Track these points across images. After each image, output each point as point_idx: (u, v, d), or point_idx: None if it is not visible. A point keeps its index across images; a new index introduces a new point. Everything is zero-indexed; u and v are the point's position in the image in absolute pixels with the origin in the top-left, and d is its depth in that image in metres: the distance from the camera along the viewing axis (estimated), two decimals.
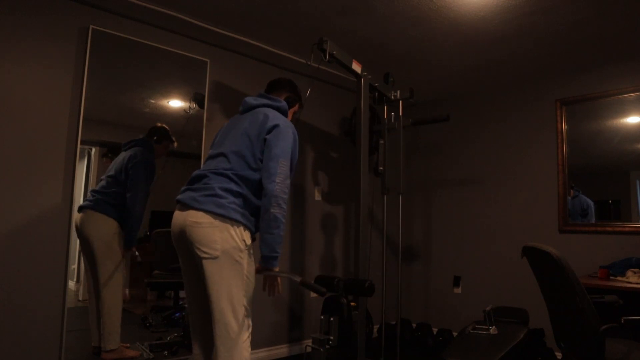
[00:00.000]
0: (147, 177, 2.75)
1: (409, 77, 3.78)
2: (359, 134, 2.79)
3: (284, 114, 2.07)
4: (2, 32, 2.34)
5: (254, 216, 1.89)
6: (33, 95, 2.42)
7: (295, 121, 1.99)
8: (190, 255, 1.82)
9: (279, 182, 1.81)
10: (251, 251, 1.87)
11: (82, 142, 2.55)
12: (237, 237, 1.79)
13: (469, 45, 3.13)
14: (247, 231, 1.84)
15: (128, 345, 2.65)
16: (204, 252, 1.74)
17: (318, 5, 2.67)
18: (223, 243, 1.75)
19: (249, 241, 1.85)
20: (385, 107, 3.40)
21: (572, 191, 3.50)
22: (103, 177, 2.64)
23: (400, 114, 3.32)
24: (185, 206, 1.82)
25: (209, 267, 1.75)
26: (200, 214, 1.76)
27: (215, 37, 3.04)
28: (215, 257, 1.75)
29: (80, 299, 2.62)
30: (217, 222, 1.75)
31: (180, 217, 1.82)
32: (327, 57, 2.50)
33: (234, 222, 1.78)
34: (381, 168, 3.26)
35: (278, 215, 1.81)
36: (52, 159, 2.46)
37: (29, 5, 2.43)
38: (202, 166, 1.97)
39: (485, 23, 2.81)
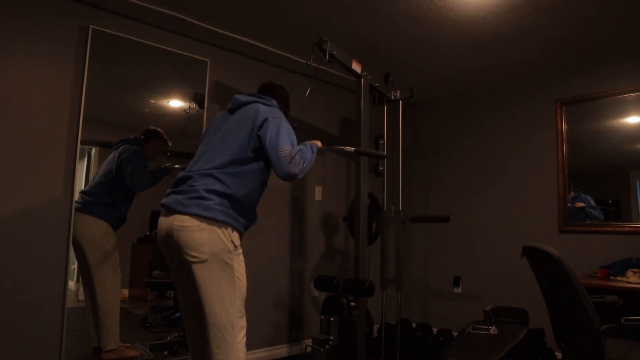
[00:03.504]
0: (142, 164, 2.73)
1: (409, 77, 3.78)
2: (359, 134, 2.79)
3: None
4: (2, 32, 2.34)
5: (243, 216, 1.85)
6: (33, 95, 2.42)
7: (293, 123, 1.97)
8: (179, 259, 1.77)
9: (286, 165, 1.77)
10: (240, 251, 1.85)
11: (82, 142, 2.55)
12: (226, 239, 1.76)
13: (469, 45, 3.13)
14: (235, 232, 1.81)
15: (128, 345, 2.65)
16: (193, 257, 1.71)
17: (318, 5, 2.67)
18: (211, 246, 1.72)
19: (237, 242, 1.83)
20: (385, 107, 3.40)
21: (572, 192, 3.50)
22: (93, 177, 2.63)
23: (400, 114, 3.32)
24: (170, 210, 1.77)
25: (198, 271, 1.72)
26: (187, 217, 1.72)
27: (215, 37, 3.04)
28: (204, 261, 1.71)
29: (80, 299, 2.62)
30: (204, 225, 1.72)
31: (166, 222, 1.78)
32: (327, 57, 2.49)
33: (221, 223, 1.75)
34: (381, 168, 3.26)
35: (300, 163, 1.81)
36: (52, 159, 2.46)
37: (29, 6, 2.43)
38: (188, 166, 1.92)
39: (485, 23, 2.81)
